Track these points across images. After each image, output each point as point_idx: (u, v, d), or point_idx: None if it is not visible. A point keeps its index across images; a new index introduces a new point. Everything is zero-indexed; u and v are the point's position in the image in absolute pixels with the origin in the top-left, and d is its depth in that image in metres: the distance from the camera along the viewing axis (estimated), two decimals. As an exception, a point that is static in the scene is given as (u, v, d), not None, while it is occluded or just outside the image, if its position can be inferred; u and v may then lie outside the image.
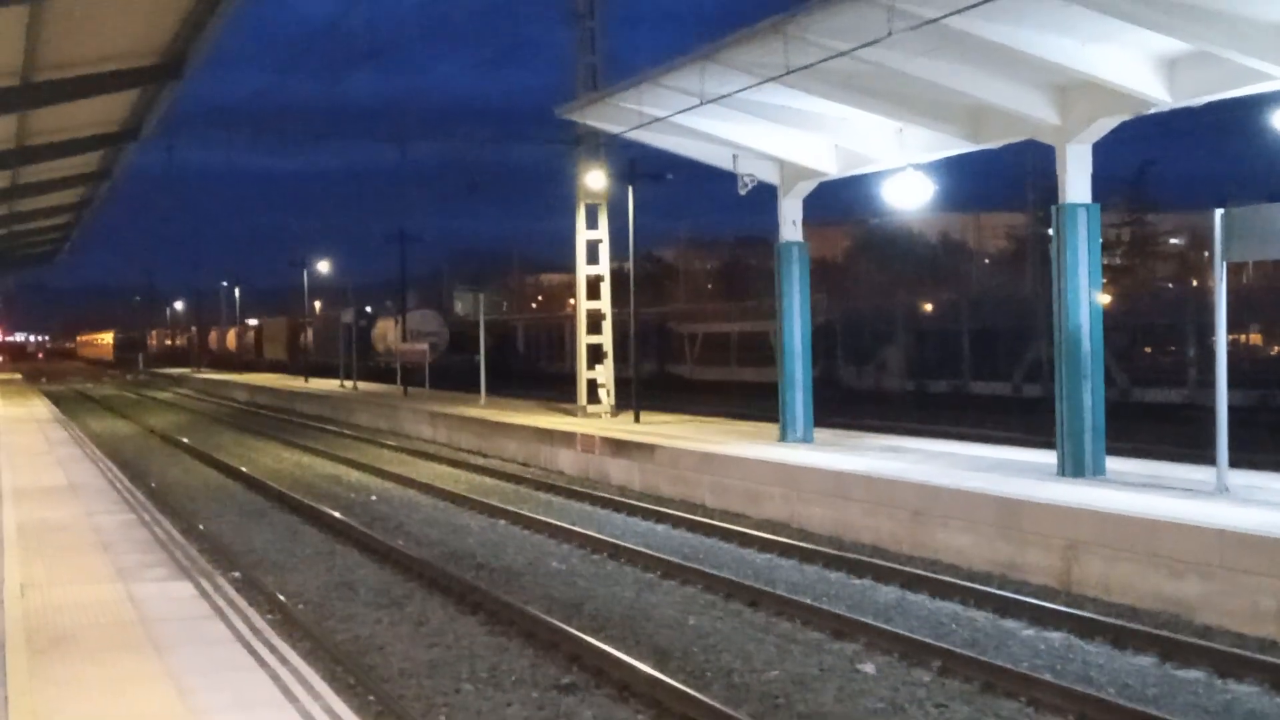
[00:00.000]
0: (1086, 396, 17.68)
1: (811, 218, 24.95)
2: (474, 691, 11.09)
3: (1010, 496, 15.88)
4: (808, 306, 24.45)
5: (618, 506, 22.02)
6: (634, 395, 30.77)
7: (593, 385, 32.89)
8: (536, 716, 10.43)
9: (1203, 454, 17.85)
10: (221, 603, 11.16)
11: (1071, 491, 15.99)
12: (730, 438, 24.97)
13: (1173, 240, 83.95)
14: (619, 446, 25.65)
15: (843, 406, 38.75)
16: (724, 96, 20.45)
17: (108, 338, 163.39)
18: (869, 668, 11.69)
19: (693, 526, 19.73)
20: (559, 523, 19.82)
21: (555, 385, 50.55)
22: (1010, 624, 13.28)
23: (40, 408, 44.28)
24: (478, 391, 40.97)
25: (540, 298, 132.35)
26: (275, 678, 8.71)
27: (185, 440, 37.07)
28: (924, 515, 17.05)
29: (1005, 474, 17.96)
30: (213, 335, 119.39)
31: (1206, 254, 15.98)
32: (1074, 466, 17.58)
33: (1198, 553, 13.16)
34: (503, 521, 20.85)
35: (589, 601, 14.71)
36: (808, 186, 24.11)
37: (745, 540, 18.38)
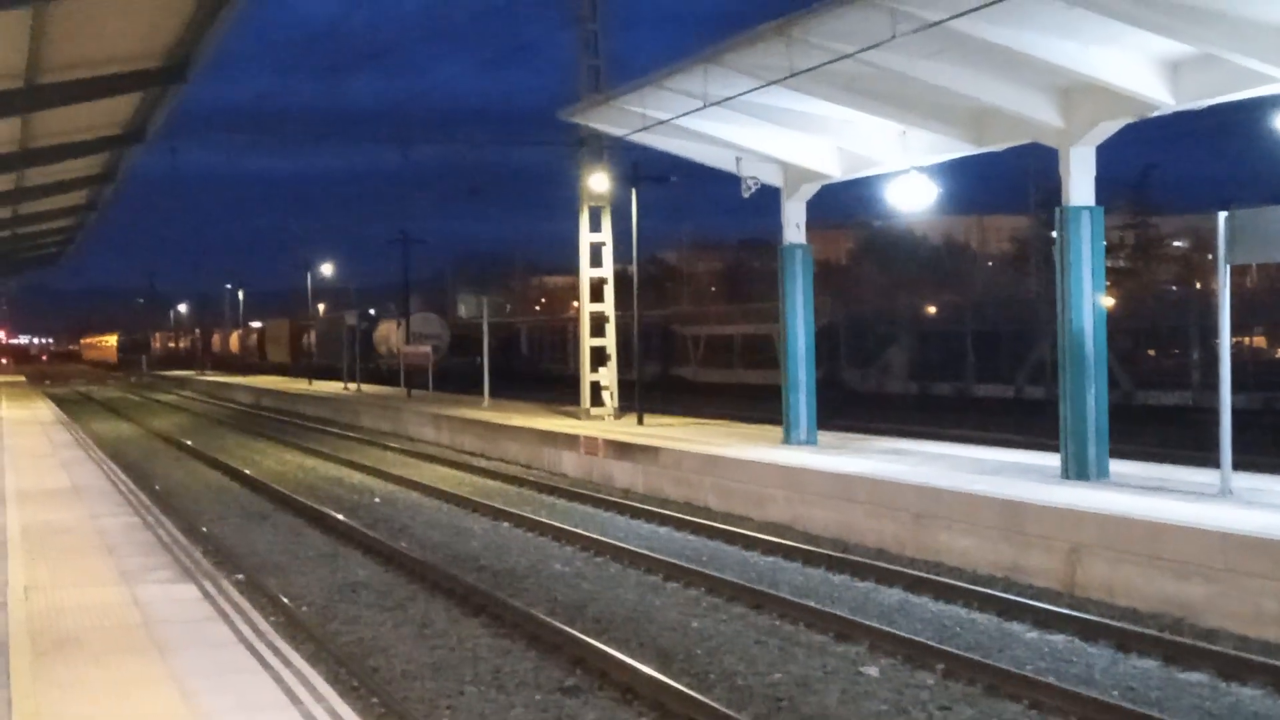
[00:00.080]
0: (1090, 399, 17.67)
1: (815, 220, 24.95)
2: (477, 694, 11.10)
3: (1014, 499, 15.87)
4: (811, 309, 24.44)
5: (621, 509, 22.02)
6: (637, 398, 30.77)
7: (596, 388, 32.89)
8: (540, 718, 10.44)
9: (1206, 457, 17.85)
10: (225, 605, 11.16)
11: (1075, 494, 15.98)
12: (734, 440, 24.97)
13: (1176, 243, 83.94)
14: (622, 449, 25.65)
15: (846, 409, 38.73)
16: (727, 99, 20.46)
17: (111, 340, 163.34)
18: (872, 670, 11.69)
19: (696, 529, 19.73)
20: (562, 525, 19.82)
21: (559, 388, 50.56)
22: (1014, 627, 13.28)
23: (44, 410, 44.31)
24: (481, 394, 40.97)
25: (544, 300, 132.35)
26: (279, 680, 8.71)
27: (189, 442, 37.09)
28: (927, 518, 17.05)
29: (1008, 476, 17.96)
30: (216, 338, 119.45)
31: (1210, 257, 15.98)
32: (1077, 469, 17.57)
33: (1201, 556, 13.16)
34: (506, 524, 20.85)
35: (592, 604, 14.71)
36: (811, 189, 24.11)
37: (749, 543, 18.38)
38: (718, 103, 20.64)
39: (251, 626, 10.34)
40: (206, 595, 11.60)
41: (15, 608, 11.11)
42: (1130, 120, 17.39)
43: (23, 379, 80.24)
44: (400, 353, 56.03)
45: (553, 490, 24.77)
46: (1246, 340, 43.28)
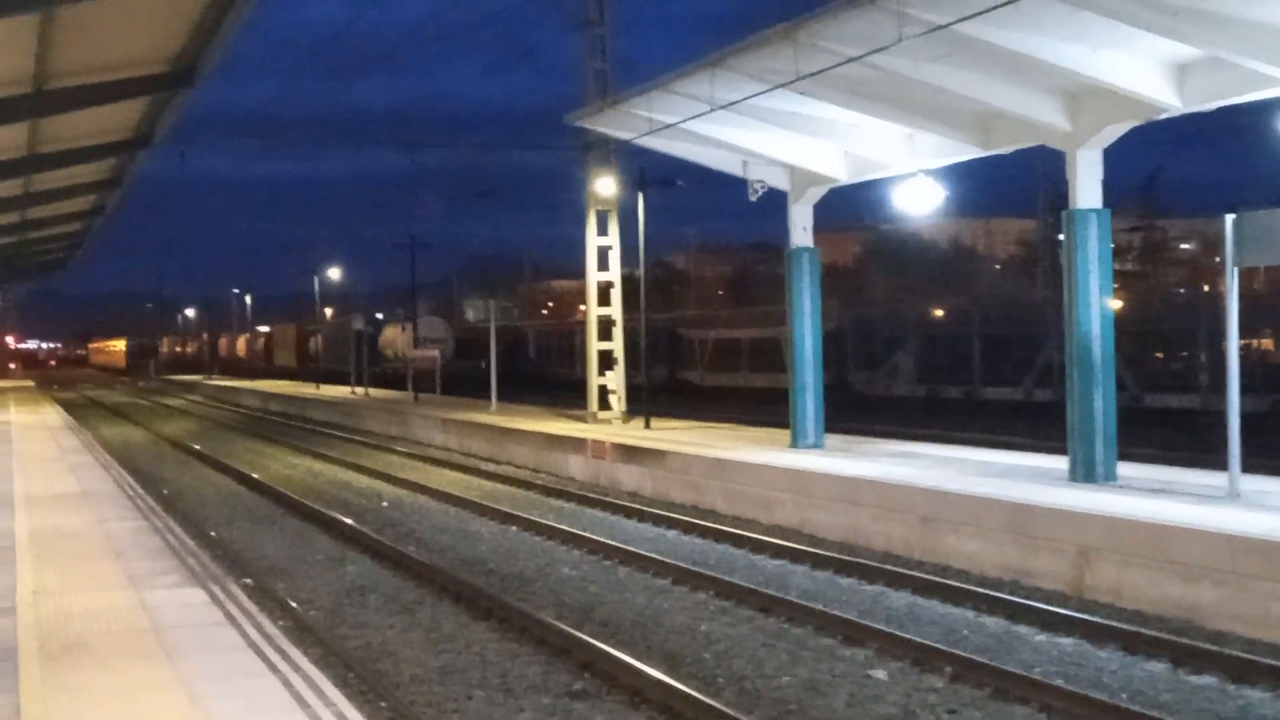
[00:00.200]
0: (1098, 402, 17.66)
1: (822, 224, 24.95)
2: (485, 698, 11.10)
3: (1021, 502, 15.86)
4: (818, 312, 24.43)
5: (629, 512, 22.02)
6: (645, 401, 30.78)
7: (603, 391, 32.90)
8: (548, 723, 10.44)
9: (1214, 459, 17.82)
10: (233, 609, 11.17)
11: (1083, 497, 15.97)
12: (741, 443, 24.97)
13: (1184, 246, 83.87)
14: (630, 452, 25.65)
15: (854, 412, 38.68)
16: (734, 103, 20.47)
17: (119, 345, 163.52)
18: (881, 674, 11.68)
19: (704, 532, 19.73)
20: (570, 529, 19.82)
21: (566, 391, 50.56)
22: (1022, 630, 13.26)
23: (52, 415, 44.38)
24: (488, 398, 40.99)
25: (551, 304, 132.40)
26: (287, 684, 8.72)
27: (197, 447, 37.13)
28: (935, 521, 17.04)
29: (1016, 479, 17.94)
30: (223, 342, 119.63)
31: (1217, 259, 15.94)
32: (1085, 472, 17.56)
33: (1209, 558, 13.14)
34: (514, 527, 20.86)
35: (600, 608, 14.71)
36: (818, 192, 24.11)
37: (757, 546, 18.37)
38: (724, 106, 20.66)
39: (260, 631, 10.35)
40: (214, 599, 11.60)
41: (24, 612, 11.12)
42: (1137, 123, 17.38)
43: (31, 384, 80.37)
44: (407, 357, 56.10)
45: (560, 494, 24.77)
46: (1254, 343, 43.19)
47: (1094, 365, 17.68)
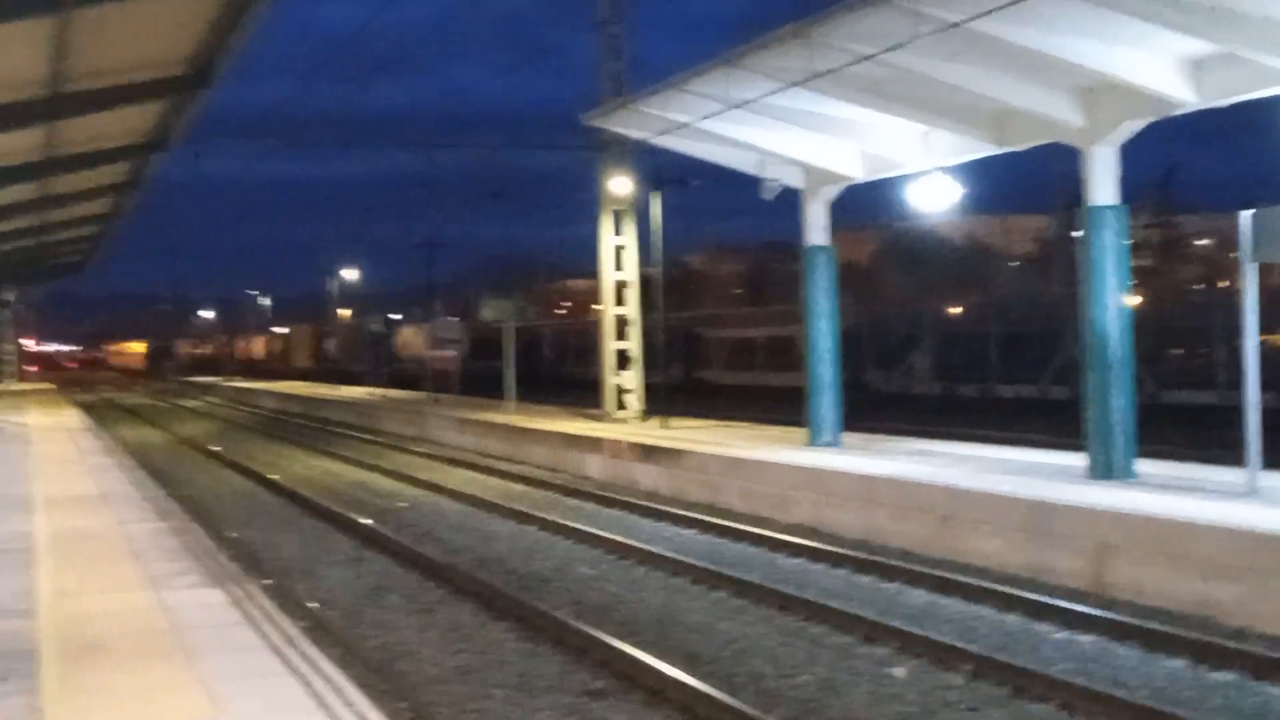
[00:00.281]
0: (1116, 399, 17.62)
1: (838, 222, 24.93)
2: (504, 697, 11.11)
3: (1040, 499, 15.83)
4: (835, 311, 24.41)
5: (646, 512, 22.03)
6: (662, 400, 30.77)
7: (620, 391, 32.91)
8: (567, 722, 10.45)
9: (1233, 456, 17.76)
10: (252, 610, 11.18)
11: (1102, 494, 15.93)
12: (758, 442, 24.96)
13: (1201, 242, 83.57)
14: (647, 452, 25.66)
15: (871, 410, 38.59)
16: (748, 102, 20.47)
17: (138, 347, 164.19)
18: (900, 672, 11.66)
19: (721, 531, 19.73)
20: (588, 528, 19.83)
21: (582, 391, 50.56)
22: (1041, 627, 13.24)
23: (71, 417, 44.48)
24: (505, 397, 41.02)
25: (567, 303, 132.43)
26: (307, 684, 8.73)
27: (215, 448, 37.22)
28: (954, 519, 17.02)
29: (1034, 477, 17.91)
30: (241, 344, 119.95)
31: (1235, 255, 15.88)
32: (1104, 469, 17.52)
33: (1229, 555, 13.11)
34: (532, 527, 20.87)
35: (619, 606, 14.72)
36: (834, 191, 24.09)
37: (774, 545, 18.37)
38: (739, 105, 20.65)
39: (279, 631, 10.35)
40: (233, 600, 11.62)
41: (43, 614, 11.15)
42: (1153, 119, 17.33)
43: (50, 386, 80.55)
44: (425, 357, 56.16)
45: (578, 493, 24.78)
46: (1273, 339, 43.03)
47: (1111, 362, 17.64)
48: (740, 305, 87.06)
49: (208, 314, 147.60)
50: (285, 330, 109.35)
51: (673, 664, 11.63)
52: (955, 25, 15.41)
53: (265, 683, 8.81)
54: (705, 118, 22.00)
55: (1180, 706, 10.31)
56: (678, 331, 58.43)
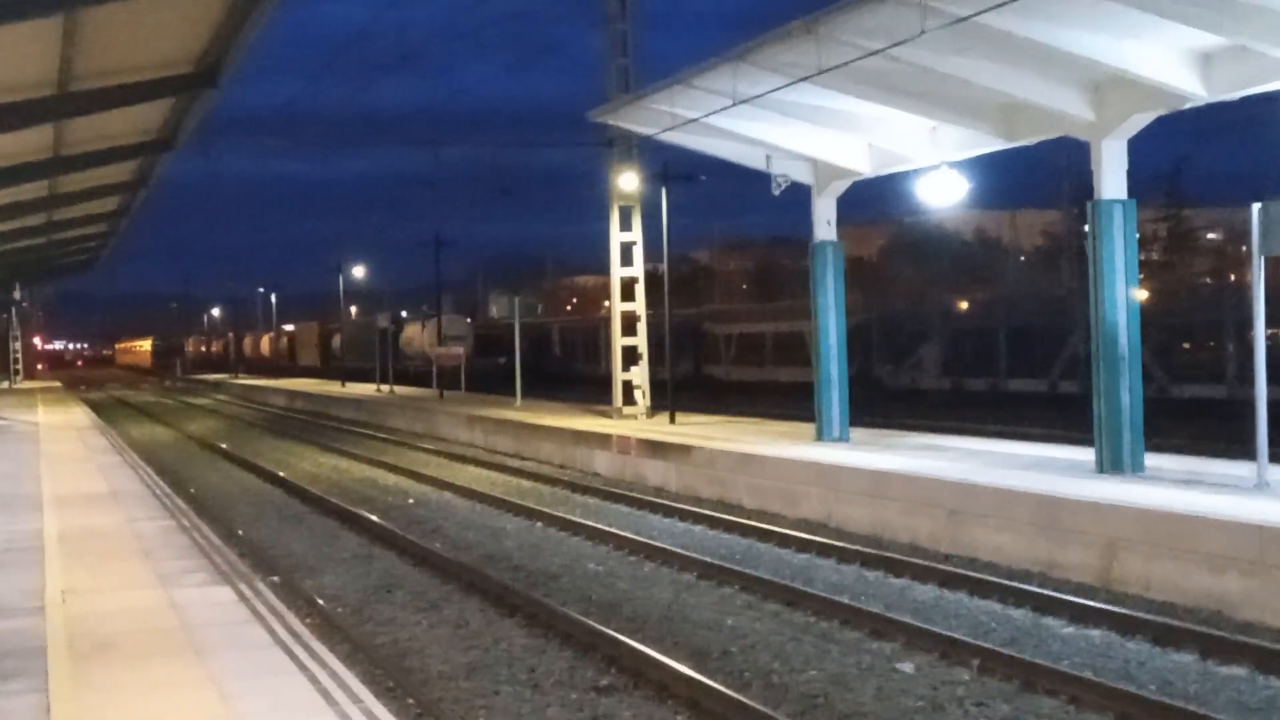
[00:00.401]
0: (1124, 393, 17.59)
1: (846, 217, 24.91)
2: (513, 693, 11.12)
3: (1049, 494, 15.82)
4: (843, 306, 24.40)
5: (654, 508, 22.03)
6: (670, 396, 30.77)
7: (628, 387, 32.90)
8: (575, 718, 10.45)
9: (1242, 450, 17.75)
10: (261, 607, 11.21)
11: (1110, 488, 15.91)
12: (766, 438, 24.95)
13: (1210, 235, 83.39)
14: (655, 448, 25.66)
15: (879, 405, 38.63)
16: (756, 97, 20.43)
17: (146, 344, 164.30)
18: (908, 667, 11.66)
19: (730, 527, 19.73)
20: (596, 524, 19.84)
21: (591, 387, 50.61)
22: (1050, 622, 13.23)
23: (80, 415, 44.56)
24: (512, 394, 41.05)
25: (575, 300, 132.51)
26: (315, 681, 8.75)
27: (224, 446, 37.28)
28: (962, 514, 17.01)
29: (1043, 471, 17.89)
30: (248, 341, 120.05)
31: (1244, 249, 15.88)
32: (1112, 463, 17.50)
33: (1238, 549, 13.09)
34: (540, 524, 20.88)
35: (626, 603, 14.73)
36: (841, 186, 24.07)
37: (783, 540, 18.36)
38: (747, 101, 20.62)
39: (287, 628, 10.38)
40: (242, 597, 11.65)
41: (53, 612, 11.18)
42: (1162, 113, 17.30)
43: (59, 384, 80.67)
44: (431, 353, 56.24)
45: (586, 490, 24.79)
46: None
47: (1120, 356, 17.62)
48: (748, 301, 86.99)
49: (216, 312, 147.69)
50: (292, 328, 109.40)
51: (681, 660, 11.64)
52: (963, 19, 15.38)
53: (275, 680, 8.84)
54: (713, 113, 21.97)
55: (1189, 700, 10.32)
56: (686, 327, 58.44)
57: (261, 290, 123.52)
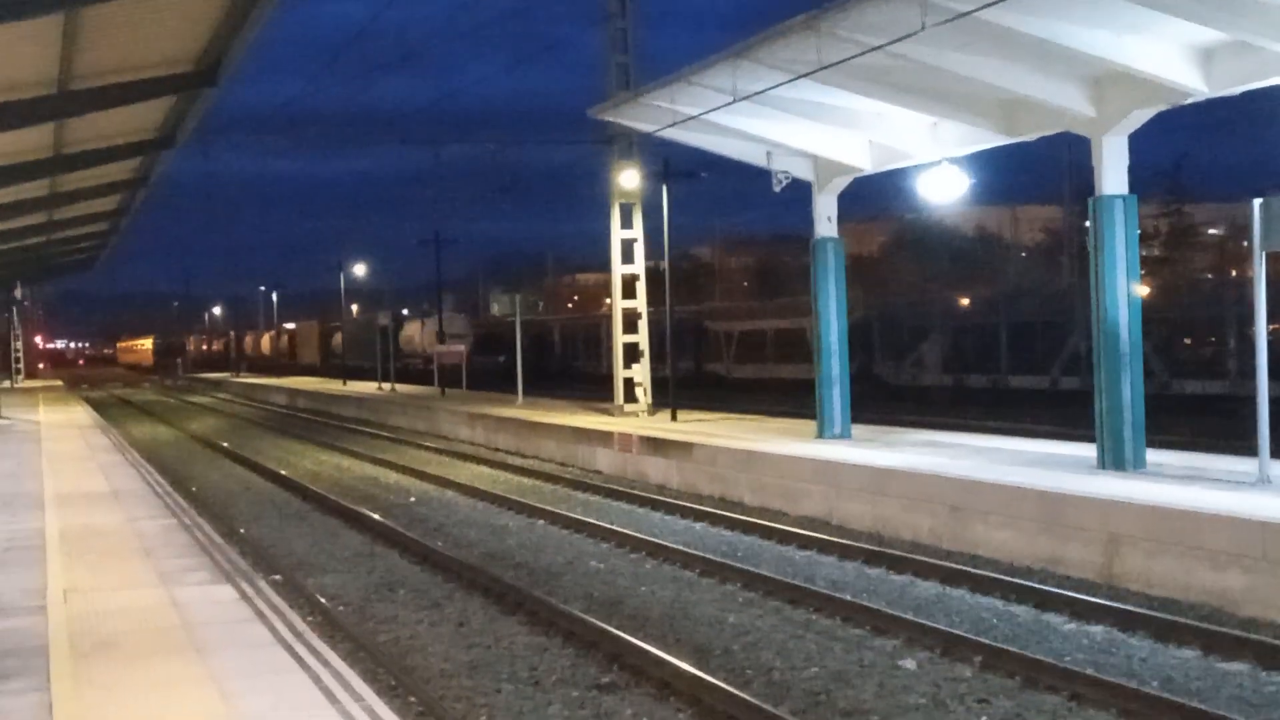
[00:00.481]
0: (1126, 389, 17.58)
1: (847, 214, 24.90)
2: (514, 691, 11.12)
3: (1050, 490, 15.81)
4: (844, 303, 24.40)
5: (656, 505, 22.03)
6: (671, 394, 30.76)
7: (629, 384, 32.90)
8: (577, 716, 10.44)
9: (1244, 446, 17.73)
10: (262, 606, 11.21)
11: (1112, 485, 15.91)
12: (768, 435, 24.95)
13: (1211, 231, 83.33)
14: (657, 445, 25.66)
15: (880, 402, 38.65)
16: (757, 94, 20.42)
17: (147, 343, 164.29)
18: (910, 664, 11.66)
19: (731, 524, 19.72)
20: (598, 522, 19.84)
21: (592, 385, 50.61)
22: (1051, 618, 13.22)
23: (81, 414, 44.58)
24: (514, 392, 41.05)
25: (576, 298, 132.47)
26: (317, 680, 8.74)
27: (225, 444, 37.28)
28: (963, 510, 17.00)
29: (1045, 468, 17.89)
30: (249, 340, 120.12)
31: (1246, 244, 15.86)
32: (1114, 460, 17.49)
33: (1240, 545, 13.08)
34: (541, 521, 20.88)
35: (628, 600, 14.72)
36: (842, 182, 24.07)
37: (784, 537, 18.36)
38: (747, 98, 20.60)
39: (289, 626, 10.38)
40: (244, 596, 11.65)
41: (55, 610, 11.18)
42: (1163, 108, 17.29)
43: (60, 383, 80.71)
44: (433, 351, 56.26)
45: (588, 487, 24.79)
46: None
47: (1122, 352, 17.61)
48: (749, 298, 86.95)
49: (216, 310, 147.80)
50: (293, 326, 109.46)
51: (683, 657, 11.64)
52: (964, 15, 15.36)
53: (276, 678, 8.83)
54: (713, 110, 21.95)
55: (1191, 697, 10.31)
56: (687, 325, 58.42)
57: (262, 289, 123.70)
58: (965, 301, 55.76)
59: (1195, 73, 16.37)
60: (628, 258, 33.00)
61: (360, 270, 74.76)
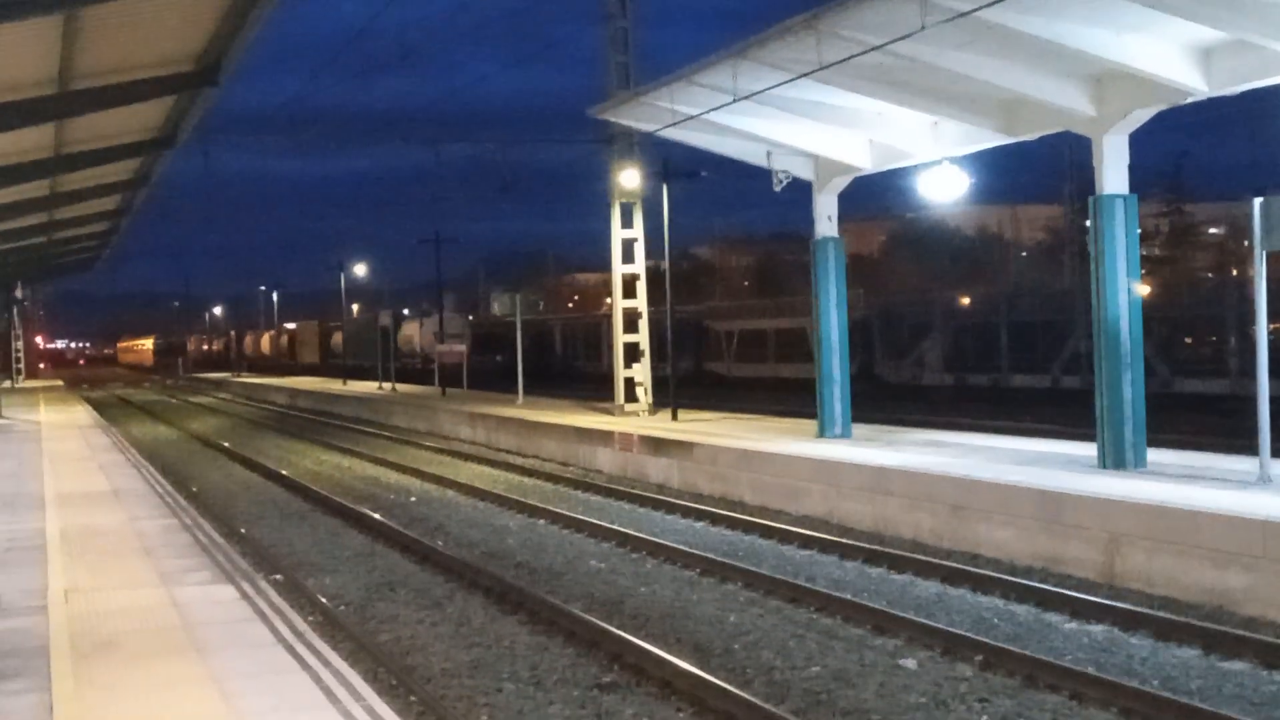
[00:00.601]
0: (1126, 388, 17.59)
1: (847, 213, 24.90)
2: (515, 691, 11.12)
3: (1051, 489, 15.81)
4: (844, 302, 24.40)
5: (656, 504, 22.03)
6: (671, 393, 30.76)
7: (630, 384, 32.89)
8: (578, 715, 10.45)
9: (1244, 445, 17.74)
10: (263, 605, 11.20)
11: (1113, 484, 15.90)
12: (768, 434, 24.94)
13: (1212, 230, 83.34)
14: (657, 445, 25.65)
15: (881, 401, 38.63)
16: (757, 93, 20.42)
17: (148, 343, 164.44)
18: (910, 663, 11.66)
19: (732, 524, 19.72)
20: (598, 521, 19.84)
21: (592, 384, 50.62)
22: (1052, 617, 13.22)
23: (82, 414, 44.57)
24: (514, 391, 41.05)
25: (576, 297, 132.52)
26: (318, 680, 8.74)
27: (226, 444, 37.27)
28: (964, 509, 17.00)
29: (1045, 467, 17.89)
30: (249, 339, 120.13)
31: (1246, 243, 15.88)
32: (1114, 459, 17.49)
33: (1240, 544, 13.08)
34: (542, 521, 20.88)
35: (629, 600, 14.72)
36: (843, 182, 24.07)
37: (785, 537, 18.36)
38: (747, 97, 20.60)
39: (290, 626, 10.38)
40: (245, 596, 11.64)
41: (55, 610, 11.18)
42: (1163, 107, 17.29)
43: (61, 383, 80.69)
44: (433, 351, 56.29)
45: (588, 487, 24.79)
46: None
47: (1122, 351, 17.61)
48: (750, 297, 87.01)
49: (217, 310, 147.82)
50: (293, 326, 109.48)
51: (683, 657, 11.64)
52: (964, 14, 15.36)
53: (277, 679, 8.83)
54: (714, 109, 21.94)
55: (1192, 696, 10.31)
56: (688, 324, 58.45)
57: (262, 288, 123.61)
58: (966, 301, 55.82)
59: (1195, 72, 16.38)
60: (628, 257, 32.99)
61: (360, 270, 74.82)
